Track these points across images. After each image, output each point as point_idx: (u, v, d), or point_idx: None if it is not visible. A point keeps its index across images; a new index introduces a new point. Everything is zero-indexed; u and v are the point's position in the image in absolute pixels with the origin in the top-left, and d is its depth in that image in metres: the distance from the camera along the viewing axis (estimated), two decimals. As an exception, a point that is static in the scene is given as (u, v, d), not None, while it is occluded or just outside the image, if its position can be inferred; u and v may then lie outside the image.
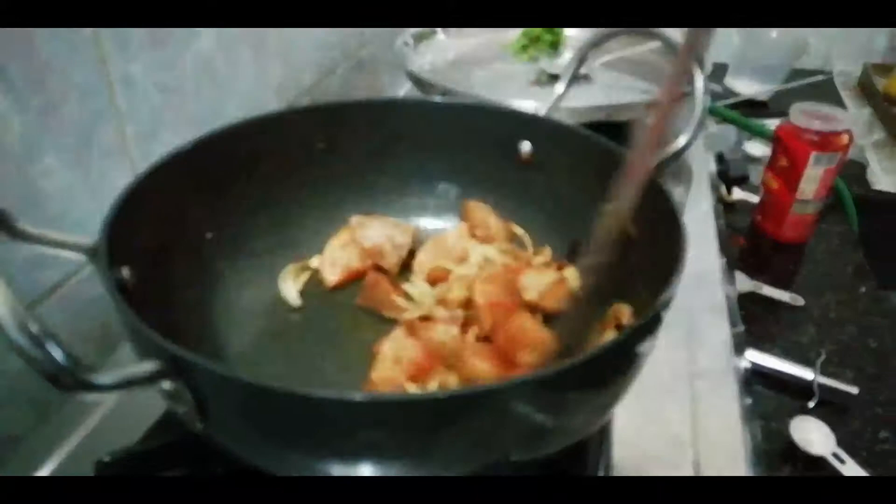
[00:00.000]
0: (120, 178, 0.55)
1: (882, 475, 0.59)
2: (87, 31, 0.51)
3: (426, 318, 0.51)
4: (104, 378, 0.27)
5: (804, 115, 0.83)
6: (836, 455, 0.60)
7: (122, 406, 0.51)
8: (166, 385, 0.30)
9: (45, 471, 0.47)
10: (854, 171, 1.14)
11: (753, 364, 0.68)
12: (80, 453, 0.48)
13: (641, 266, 0.48)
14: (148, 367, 0.29)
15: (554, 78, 0.64)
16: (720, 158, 0.95)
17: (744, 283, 0.81)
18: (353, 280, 0.56)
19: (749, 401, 0.55)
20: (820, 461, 0.60)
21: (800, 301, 0.80)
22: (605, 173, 0.51)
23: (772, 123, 0.96)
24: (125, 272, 0.39)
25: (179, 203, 0.48)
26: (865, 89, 1.46)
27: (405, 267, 0.58)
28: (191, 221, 0.50)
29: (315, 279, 0.57)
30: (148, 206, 0.43)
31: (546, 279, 0.51)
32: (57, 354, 0.25)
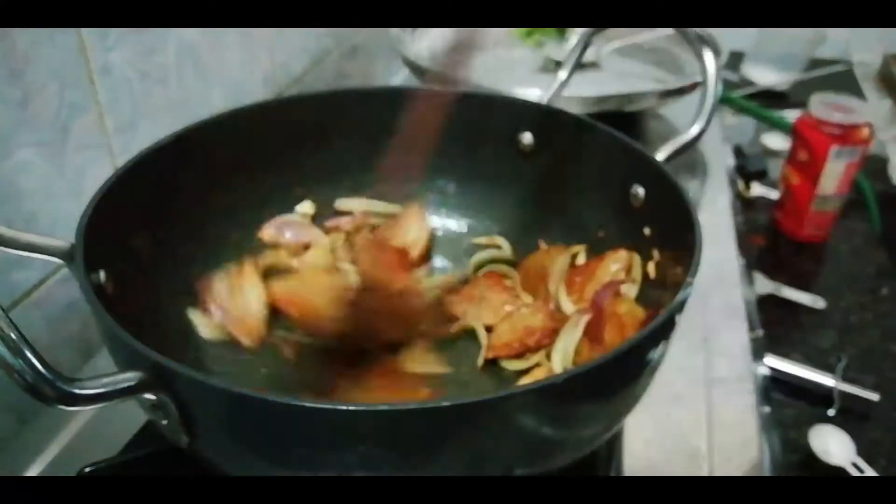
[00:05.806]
0: (98, 173, 0.55)
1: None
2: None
3: None
4: (85, 391, 0.27)
5: (824, 106, 0.82)
6: (855, 465, 0.60)
7: (105, 411, 0.50)
8: (150, 396, 0.30)
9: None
10: (875, 167, 1.14)
11: (772, 370, 0.68)
12: (62, 461, 0.47)
13: (655, 266, 0.48)
14: (130, 377, 0.29)
15: (561, 65, 0.63)
16: (738, 152, 0.95)
17: (763, 284, 0.81)
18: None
19: (767, 409, 0.55)
20: (838, 472, 0.60)
21: (820, 303, 0.80)
22: (610, 164, 0.51)
23: (791, 115, 0.96)
24: (103, 276, 0.38)
25: (161, 201, 0.47)
26: (886, 80, 1.46)
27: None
28: (173, 221, 0.49)
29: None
30: (127, 205, 0.43)
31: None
32: (37, 364, 0.25)
